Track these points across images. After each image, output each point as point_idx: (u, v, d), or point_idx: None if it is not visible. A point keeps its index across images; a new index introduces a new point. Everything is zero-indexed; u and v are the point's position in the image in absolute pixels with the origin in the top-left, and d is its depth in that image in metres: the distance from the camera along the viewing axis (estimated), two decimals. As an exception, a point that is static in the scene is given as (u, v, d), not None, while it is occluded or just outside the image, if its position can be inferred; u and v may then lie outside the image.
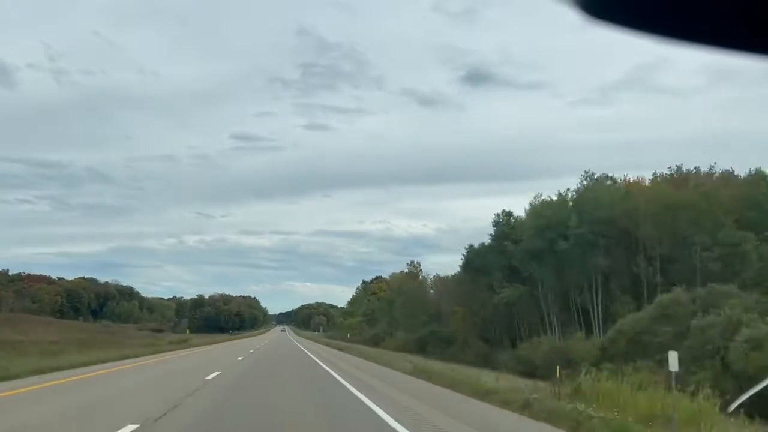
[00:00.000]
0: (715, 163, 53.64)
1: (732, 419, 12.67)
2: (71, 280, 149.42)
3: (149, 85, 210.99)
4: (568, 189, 55.97)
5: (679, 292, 36.13)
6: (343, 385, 17.54)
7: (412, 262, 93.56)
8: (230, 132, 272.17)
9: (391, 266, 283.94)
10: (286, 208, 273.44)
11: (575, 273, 49.46)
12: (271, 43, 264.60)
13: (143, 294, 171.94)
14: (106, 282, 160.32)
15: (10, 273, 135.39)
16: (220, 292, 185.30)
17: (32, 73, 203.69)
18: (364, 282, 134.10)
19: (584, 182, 54.65)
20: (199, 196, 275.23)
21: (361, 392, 15.27)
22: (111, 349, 34.08)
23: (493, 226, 63.92)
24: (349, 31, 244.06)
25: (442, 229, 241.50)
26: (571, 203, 54.11)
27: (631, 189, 52.71)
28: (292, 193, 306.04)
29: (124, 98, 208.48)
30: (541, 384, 15.92)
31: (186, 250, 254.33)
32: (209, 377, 18.86)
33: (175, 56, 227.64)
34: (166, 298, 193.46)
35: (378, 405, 12.53)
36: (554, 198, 56.21)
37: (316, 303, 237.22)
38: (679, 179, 51.00)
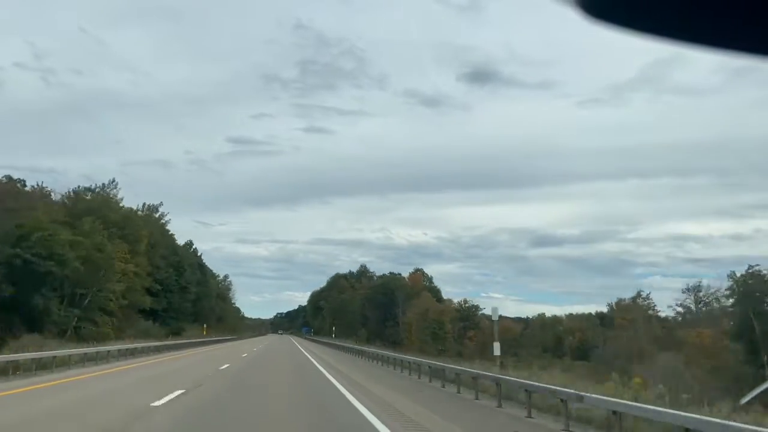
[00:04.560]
0: None
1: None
2: None
3: (141, 86, 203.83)
4: None
5: None
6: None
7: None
8: (227, 135, 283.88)
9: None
10: (283, 216, 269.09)
11: None
12: (268, 39, 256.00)
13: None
14: None
15: None
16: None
17: (19, 72, 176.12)
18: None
19: None
20: (195, 203, 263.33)
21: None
22: None
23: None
24: (349, 26, 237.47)
25: (443, 237, 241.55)
26: None
27: None
28: (290, 200, 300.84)
29: (115, 100, 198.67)
30: None
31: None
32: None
33: (167, 54, 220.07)
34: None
35: None
36: None
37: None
38: None
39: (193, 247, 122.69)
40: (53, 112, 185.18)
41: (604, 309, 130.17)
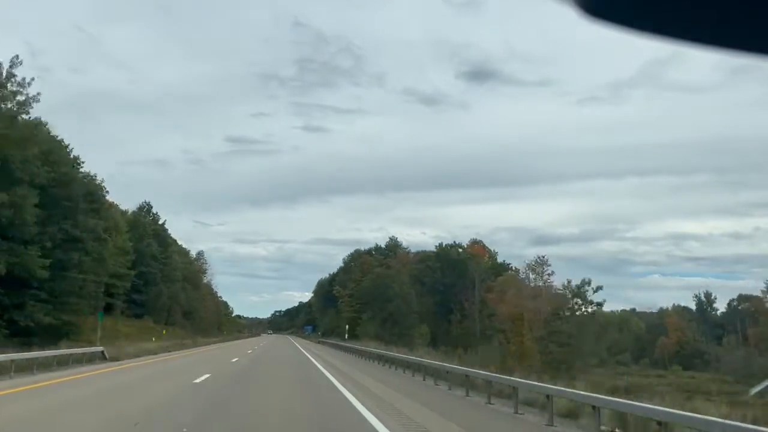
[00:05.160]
0: None
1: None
2: None
3: (138, 84, 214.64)
4: None
5: None
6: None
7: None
8: (225, 135, 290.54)
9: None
10: (282, 215, 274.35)
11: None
12: (266, 37, 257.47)
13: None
14: None
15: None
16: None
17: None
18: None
19: None
20: (194, 203, 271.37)
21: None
22: None
23: None
24: (347, 23, 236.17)
25: (442, 236, 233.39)
26: None
27: None
28: (289, 199, 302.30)
29: (112, 98, 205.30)
30: None
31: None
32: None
33: (165, 53, 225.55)
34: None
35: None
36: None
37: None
38: None
39: (153, 211, 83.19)
40: (51, 110, 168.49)
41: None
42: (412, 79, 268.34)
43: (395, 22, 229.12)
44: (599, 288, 59.81)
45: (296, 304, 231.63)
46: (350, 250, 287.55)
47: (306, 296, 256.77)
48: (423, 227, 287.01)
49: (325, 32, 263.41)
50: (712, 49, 1.33)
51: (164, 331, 66.68)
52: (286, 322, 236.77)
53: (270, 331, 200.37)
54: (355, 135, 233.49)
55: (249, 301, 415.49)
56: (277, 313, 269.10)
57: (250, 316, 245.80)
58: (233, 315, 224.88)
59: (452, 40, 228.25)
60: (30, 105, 34.32)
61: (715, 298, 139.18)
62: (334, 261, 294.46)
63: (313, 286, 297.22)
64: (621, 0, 1.31)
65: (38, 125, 36.48)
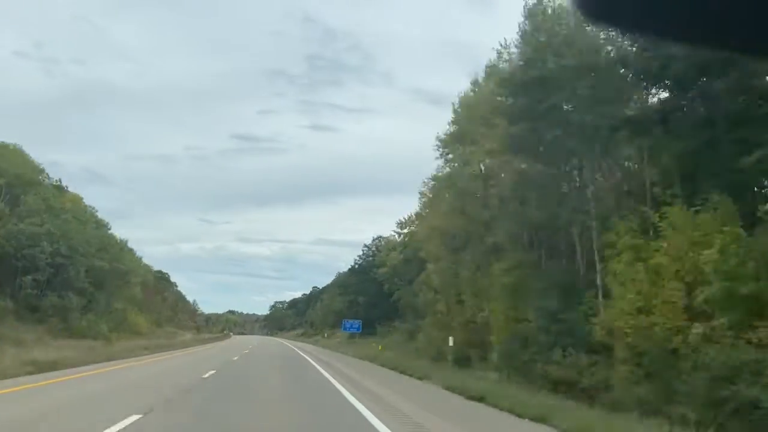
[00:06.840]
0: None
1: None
2: None
3: (144, 79, 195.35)
4: None
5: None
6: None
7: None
8: (232, 132, 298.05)
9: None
10: (286, 215, 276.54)
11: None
12: (275, 33, 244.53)
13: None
14: None
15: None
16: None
17: (20, 61, 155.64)
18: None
19: None
20: (200, 201, 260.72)
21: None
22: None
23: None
24: (356, 20, 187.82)
25: None
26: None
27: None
28: (295, 199, 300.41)
29: (118, 93, 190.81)
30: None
31: (183, 258, 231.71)
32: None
33: (171, 47, 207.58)
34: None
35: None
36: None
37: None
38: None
39: None
40: (56, 103, 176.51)
41: None
42: (420, 77, 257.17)
43: (404, 20, 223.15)
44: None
45: (308, 291, 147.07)
46: (354, 251, 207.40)
47: (307, 295, 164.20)
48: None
49: (334, 29, 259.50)
50: (712, 50, 1.33)
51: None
52: (292, 317, 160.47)
53: (230, 332, 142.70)
54: (363, 134, 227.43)
55: (252, 300, 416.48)
56: (279, 305, 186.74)
57: (247, 312, 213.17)
58: (229, 312, 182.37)
59: (462, 38, 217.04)
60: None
61: None
62: (337, 263, 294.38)
63: (314, 285, 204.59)
64: (621, 1, 1.30)
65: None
